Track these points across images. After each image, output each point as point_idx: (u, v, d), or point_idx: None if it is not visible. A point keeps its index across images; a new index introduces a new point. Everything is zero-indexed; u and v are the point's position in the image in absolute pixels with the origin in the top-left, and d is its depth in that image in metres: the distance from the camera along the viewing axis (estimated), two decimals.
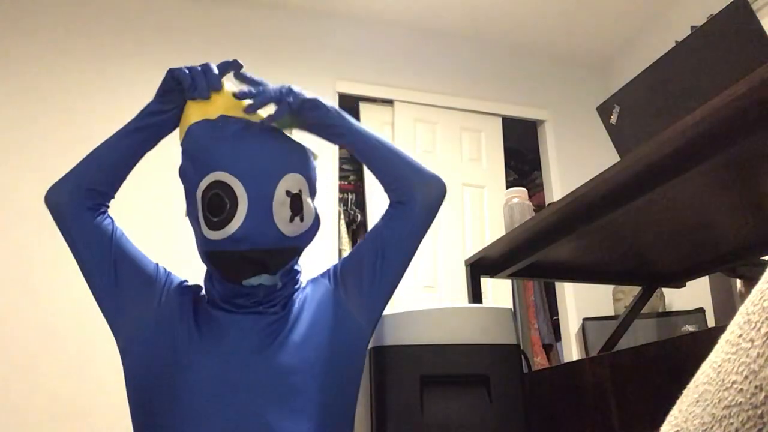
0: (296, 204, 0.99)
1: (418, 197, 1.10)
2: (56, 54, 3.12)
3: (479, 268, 1.79)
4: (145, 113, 1.10)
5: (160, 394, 0.96)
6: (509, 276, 1.79)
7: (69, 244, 1.05)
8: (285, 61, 3.47)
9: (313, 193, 1.06)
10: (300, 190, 1.00)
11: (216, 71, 1.05)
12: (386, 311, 1.17)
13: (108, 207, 1.10)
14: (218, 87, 1.05)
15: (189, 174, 1.02)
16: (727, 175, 1.16)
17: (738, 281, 2.27)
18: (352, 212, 3.62)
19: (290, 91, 1.07)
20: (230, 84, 1.10)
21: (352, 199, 3.65)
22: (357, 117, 3.58)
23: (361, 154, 1.12)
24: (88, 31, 3.22)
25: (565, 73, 4.09)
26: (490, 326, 1.39)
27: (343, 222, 3.56)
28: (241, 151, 0.97)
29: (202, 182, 0.98)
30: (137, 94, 3.17)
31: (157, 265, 1.09)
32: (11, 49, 3.06)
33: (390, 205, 1.12)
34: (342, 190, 3.62)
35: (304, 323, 1.04)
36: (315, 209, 1.06)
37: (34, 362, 2.61)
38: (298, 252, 1.04)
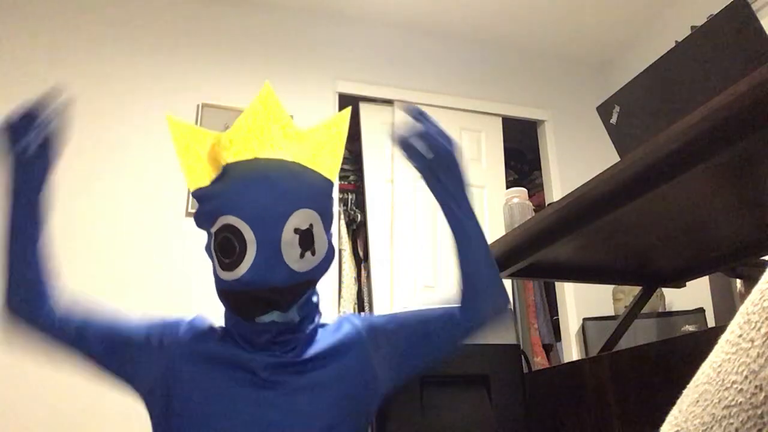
0: (306, 240, 0.99)
1: (483, 314, 1.09)
2: (54, 53, 3.12)
3: None
4: (10, 180, 1.02)
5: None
6: (509, 276, 1.79)
7: (54, 353, 1.02)
8: (285, 61, 3.47)
9: (327, 224, 1.05)
10: (311, 225, 1.00)
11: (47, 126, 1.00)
12: (386, 311, 1.17)
13: (56, 294, 1.04)
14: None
15: (202, 218, 1.04)
16: (727, 175, 1.16)
17: (738, 281, 2.27)
18: (352, 212, 3.62)
19: (451, 146, 1.07)
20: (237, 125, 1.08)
21: (352, 199, 3.65)
22: (357, 117, 3.58)
23: (461, 244, 1.10)
24: (87, 30, 3.22)
25: (565, 73, 4.09)
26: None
27: (343, 222, 3.57)
28: (248, 195, 0.98)
29: (213, 225, 1.00)
30: (136, 93, 3.17)
31: (148, 326, 1.05)
32: (10, 48, 3.06)
33: (456, 302, 1.10)
34: (342, 190, 3.63)
35: (328, 368, 1.03)
36: (328, 239, 1.05)
37: (35, 364, 2.61)
38: (311, 285, 1.04)
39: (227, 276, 0.98)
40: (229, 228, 0.97)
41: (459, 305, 1.09)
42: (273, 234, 0.97)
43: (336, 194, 3.38)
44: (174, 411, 0.98)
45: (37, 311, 1.00)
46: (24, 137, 0.98)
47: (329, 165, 1.09)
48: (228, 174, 1.01)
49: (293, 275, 0.98)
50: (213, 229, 1.00)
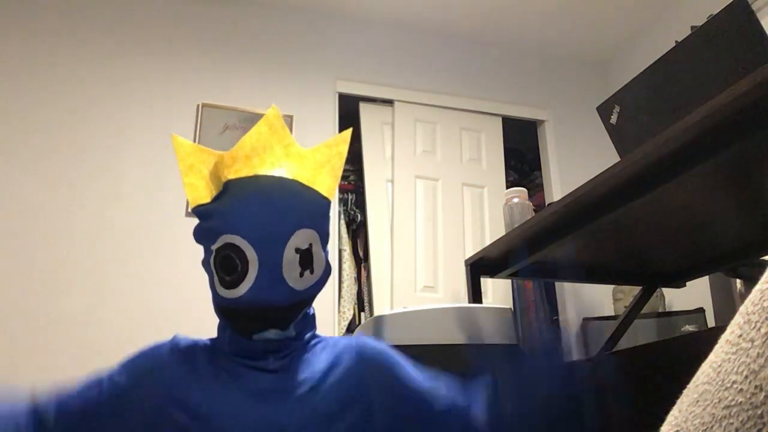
0: (306, 259, 1.01)
1: None
2: (55, 53, 3.12)
3: (479, 268, 1.79)
4: None
5: None
6: (509, 276, 1.79)
7: None
8: (285, 61, 3.47)
9: (324, 243, 1.06)
10: (310, 244, 1.01)
11: None
12: (386, 311, 1.16)
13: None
14: None
15: (203, 235, 1.04)
16: (727, 175, 1.16)
17: (738, 281, 2.27)
18: (352, 212, 3.62)
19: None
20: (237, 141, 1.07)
21: (352, 199, 3.65)
22: (357, 117, 3.58)
23: (511, 410, 1.01)
24: (88, 29, 3.22)
25: (565, 73, 4.09)
26: (490, 326, 1.39)
27: (343, 222, 3.56)
28: (250, 215, 0.98)
29: (215, 244, 1.00)
30: (136, 93, 3.17)
31: (124, 371, 1.02)
32: (10, 48, 3.06)
33: (468, 423, 1.04)
34: (342, 190, 3.63)
35: (331, 396, 1.01)
36: (325, 257, 1.06)
37: (33, 361, 2.61)
38: (309, 303, 1.05)
39: (228, 294, 0.98)
40: (231, 247, 0.98)
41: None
42: (275, 254, 0.97)
43: (336, 194, 3.38)
44: None
45: None
46: None
47: (328, 184, 1.09)
48: (228, 191, 1.02)
49: (293, 294, 0.99)
50: (214, 247, 1.00)
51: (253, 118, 3.16)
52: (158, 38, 3.32)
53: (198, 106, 3.23)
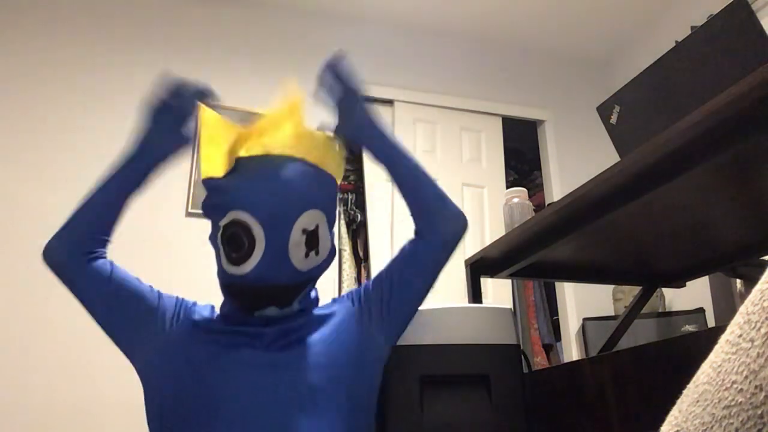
0: (312, 240, 1.03)
1: (440, 231, 1.13)
2: (55, 53, 3.12)
3: (479, 268, 1.79)
4: (135, 151, 1.15)
5: (189, 411, 0.98)
6: (509, 276, 1.79)
7: (72, 292, 1.09)
8: (285, 61, 3.47)
9: (331, 224, 1.08)
10: (317, 226, 1.03)
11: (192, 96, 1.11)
12: None
13: (106, 251, 1.12)
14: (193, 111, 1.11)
15: (211, 209, 1.06)
16: (727, 175, 1.16)
17: (738, 281, 2.27)
18: (352, 212, 3.62)
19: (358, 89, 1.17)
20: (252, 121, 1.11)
21: (352, 199, 3.65)
22: None
23: (397, 175, 1.15)
24: (88, 30, 3.22)
25: (565, 73, 4.09)
26: (490, 326, 1.39)
27: (343, 222, 3.57)
28: (259, 193, 1.00)
29: (223, 219, 1.02)
30: (136, 95, 3.17)
31: (159, 294, 1.12)
32: (9, 48, 3.06)
33: (414, 234, 1.15)
34: (342, 190, 3.62)
35: (328, 339, 1.06)
36: (331, 239, 1.08)
37: (33, 362, 2.61)
38: (312, 282, 1.07)
39: (233, 270, 1.00)
40: (239, 223, 0.99)
41: (420, 231, 1.13)
42: (282, 234, 0.99)
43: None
44: (178, 388, 0.99)
45: (93, 251, 1.07)
46: (172, 110, 1.08)
47: (336, 164, 1.11)
48: (239, 168, 1.03)
49: (297, 274, 1.01)
50: (222, 222, 1.01)
51: (252, 119, 3.16)
52: (158, 38, 3.32)
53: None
